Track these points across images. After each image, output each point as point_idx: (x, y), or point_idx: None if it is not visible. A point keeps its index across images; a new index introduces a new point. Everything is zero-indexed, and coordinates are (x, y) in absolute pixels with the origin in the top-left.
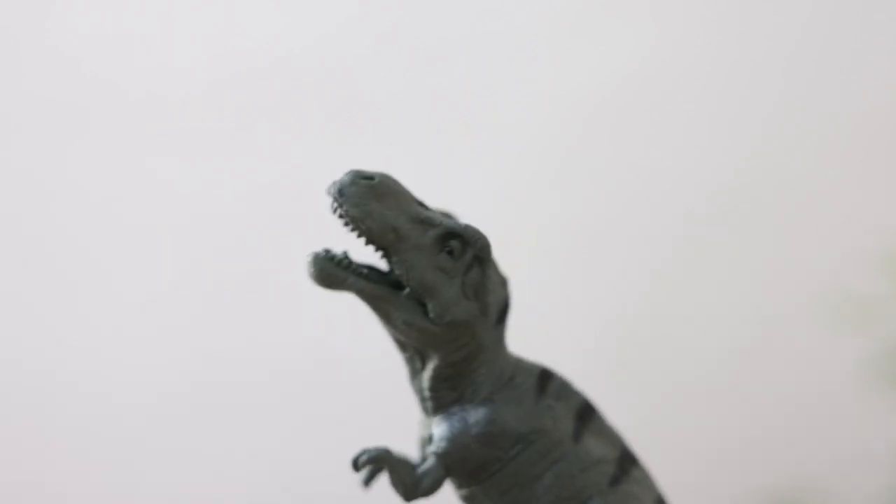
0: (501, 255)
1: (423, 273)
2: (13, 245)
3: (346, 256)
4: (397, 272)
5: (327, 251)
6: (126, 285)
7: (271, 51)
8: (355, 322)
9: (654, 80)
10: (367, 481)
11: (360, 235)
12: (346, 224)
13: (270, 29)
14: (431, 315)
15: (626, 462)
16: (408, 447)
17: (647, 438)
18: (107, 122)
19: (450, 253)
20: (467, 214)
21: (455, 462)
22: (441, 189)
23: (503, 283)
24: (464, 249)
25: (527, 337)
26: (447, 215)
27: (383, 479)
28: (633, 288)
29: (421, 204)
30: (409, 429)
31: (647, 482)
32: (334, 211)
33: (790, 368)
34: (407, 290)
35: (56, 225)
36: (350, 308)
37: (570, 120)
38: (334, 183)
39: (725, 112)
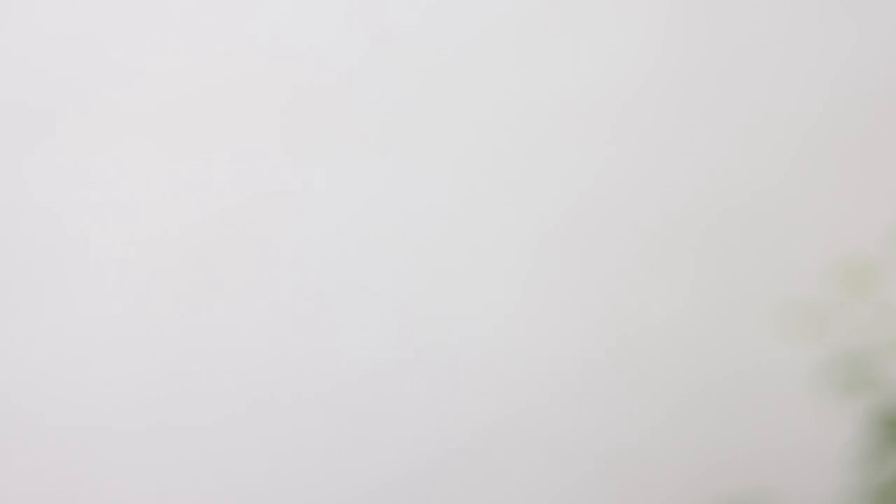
0: (490, 254)
1: None
2: None
3: None
4: None
5: None
6: (104, 288)
7: (246, 55)
8: (343, 323)
9: (620, 87)
10: None
11: None
12: None
13: (246, 33)
14: None
15: None
16: (401, 444)
17: (602, 441)
18: (78, 123)
19: None
20: (447, 215)
21: None
22: (424, 190)
23: None
24: None
25: (508, 341)
26: None
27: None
28: (583, 294)
29: None
30: (402, 429)
31: None
32: None
33: (744, 374)
34: None
35: (30, 228)
36: (339, 308)
37: (551, 119)
38: None
39: (688, 121)
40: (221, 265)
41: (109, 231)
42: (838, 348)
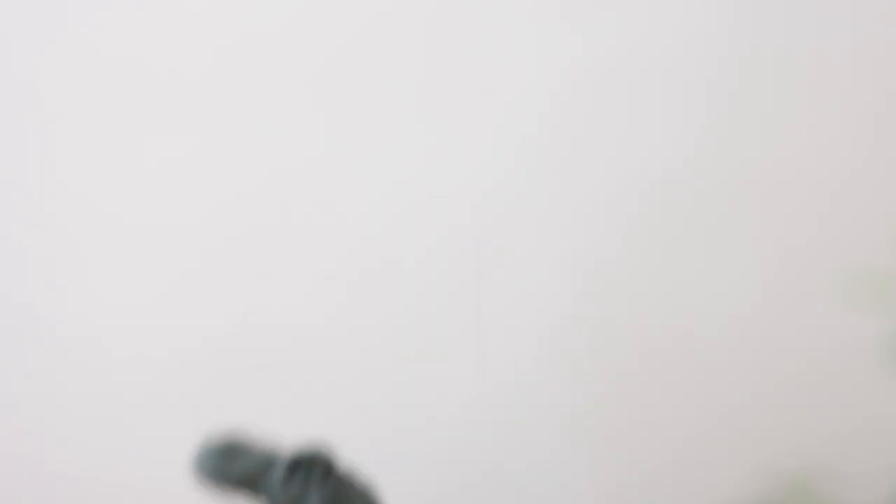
0: (538, 234)
1: None
2: (16, 211)
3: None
4: None
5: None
6: (137, 276)
7: (261, 43)
8: (380, 303)
9: (651, 61)
10: None
11: (224, 493)
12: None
13: (264, 20)
14: None
15: None
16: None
17: (661, 416)
18: (113, 108)
19: (303, 479)
20: (490, 191)
21: None
22: (429, 169)
23: (363, 494)
24: (310, 470)
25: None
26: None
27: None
28: (648, 269)
29: (270, 450)
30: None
31: None
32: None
33: (805, 347)
34: None
35: (63, 215)
36: (376, 287)
37: (601, 92)
38: (191, 461)
39: (742, 96)
40: (256, 246)
41: (144, 216)
42: None
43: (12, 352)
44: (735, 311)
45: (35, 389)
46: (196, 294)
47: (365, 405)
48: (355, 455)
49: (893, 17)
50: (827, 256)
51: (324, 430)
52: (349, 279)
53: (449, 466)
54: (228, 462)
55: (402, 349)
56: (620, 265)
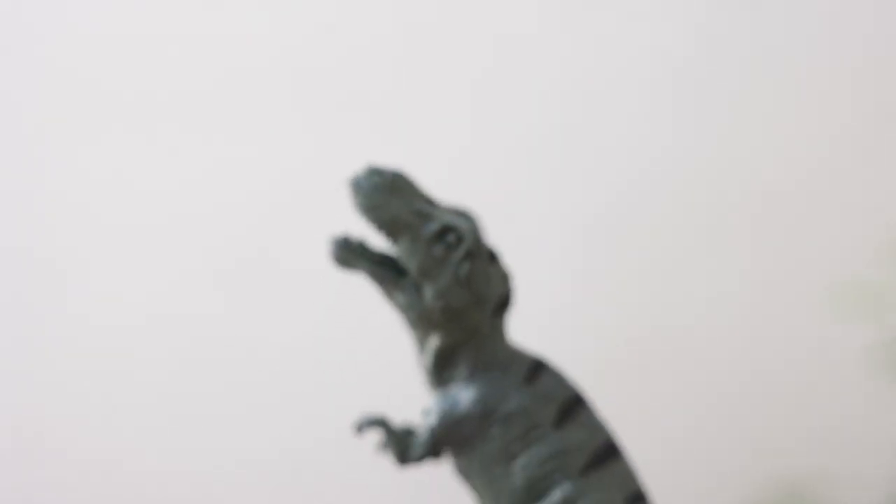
0: (538, 236)
1: (420, 261)
2: (16, 240)
3: (360, 243)
4: (400, 258)
5: (346, 237)
6: (131, 280)
7: (270, 46)
8: (363, 309)
9: (662, 71)
10: (360, 429)
11: (370, 223)
12: (360, 213)
13: (270, 24)
14: (427, 299)
15: (606, 454)
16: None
17: (657, 429)
18: (116, 114)
19: (448, 246)
20: (494, 191)
21: (442, 436)
22: (441, 181)
23: (504, 278)
24: (458, 243)
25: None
26: (458, 212)
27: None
28: (641, 278)
29: (429, 201)
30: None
31: (624, 477)
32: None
33: (798, 357)
34: (409, 275)
35: (67, 219)
36: (357, 293)
37: (602, 99)
38: (353, 177)
39: (731, 107)
40: (253, 251)
41: (145, 219)
42: (893, 329)
43: (13, 352)
44: (730, 321)
45: (35, 389)
46: (197, 295)
47: (364, 405)
48: (355, 455)
49: (885, 39)
50: (818, 268)
51: (323, 431)
52: (349, 278)
53: (449, 466)
54: (388, 196)
55: (402, 349)
56: (617, 274)
